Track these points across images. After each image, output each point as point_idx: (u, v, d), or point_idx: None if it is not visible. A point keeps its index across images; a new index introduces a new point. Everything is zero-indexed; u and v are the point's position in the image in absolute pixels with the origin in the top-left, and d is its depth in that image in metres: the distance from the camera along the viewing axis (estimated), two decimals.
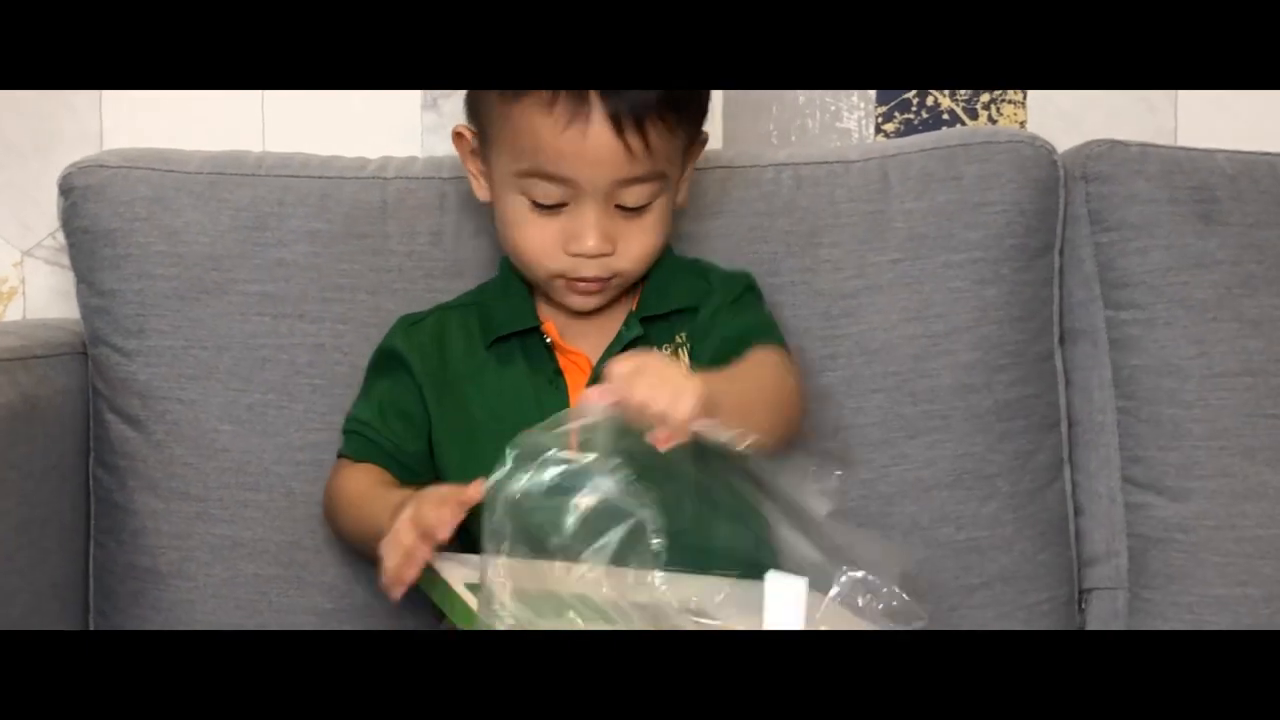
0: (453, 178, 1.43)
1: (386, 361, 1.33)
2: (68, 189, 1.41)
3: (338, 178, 1.44)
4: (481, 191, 1.31)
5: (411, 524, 1.10)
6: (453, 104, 1.59)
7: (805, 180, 1.43)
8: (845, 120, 1.63)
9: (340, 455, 1.32)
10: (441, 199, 1.43)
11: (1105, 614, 1.46)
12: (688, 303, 1.31)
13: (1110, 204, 1.45)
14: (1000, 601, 1.41)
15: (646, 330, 1.28)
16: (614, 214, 1.24)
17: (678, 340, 1.29)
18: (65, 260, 1.49)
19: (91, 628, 1.40)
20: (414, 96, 1.61)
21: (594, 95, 1.19)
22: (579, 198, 1.22)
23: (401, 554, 1.10)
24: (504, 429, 1.18)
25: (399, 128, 1.61)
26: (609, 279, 1.26)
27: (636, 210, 1.25)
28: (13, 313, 1.61)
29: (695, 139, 1.29)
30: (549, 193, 1.23)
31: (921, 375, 1.39)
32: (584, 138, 1.19)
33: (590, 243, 1.23)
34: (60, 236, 1.48)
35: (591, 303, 1.28)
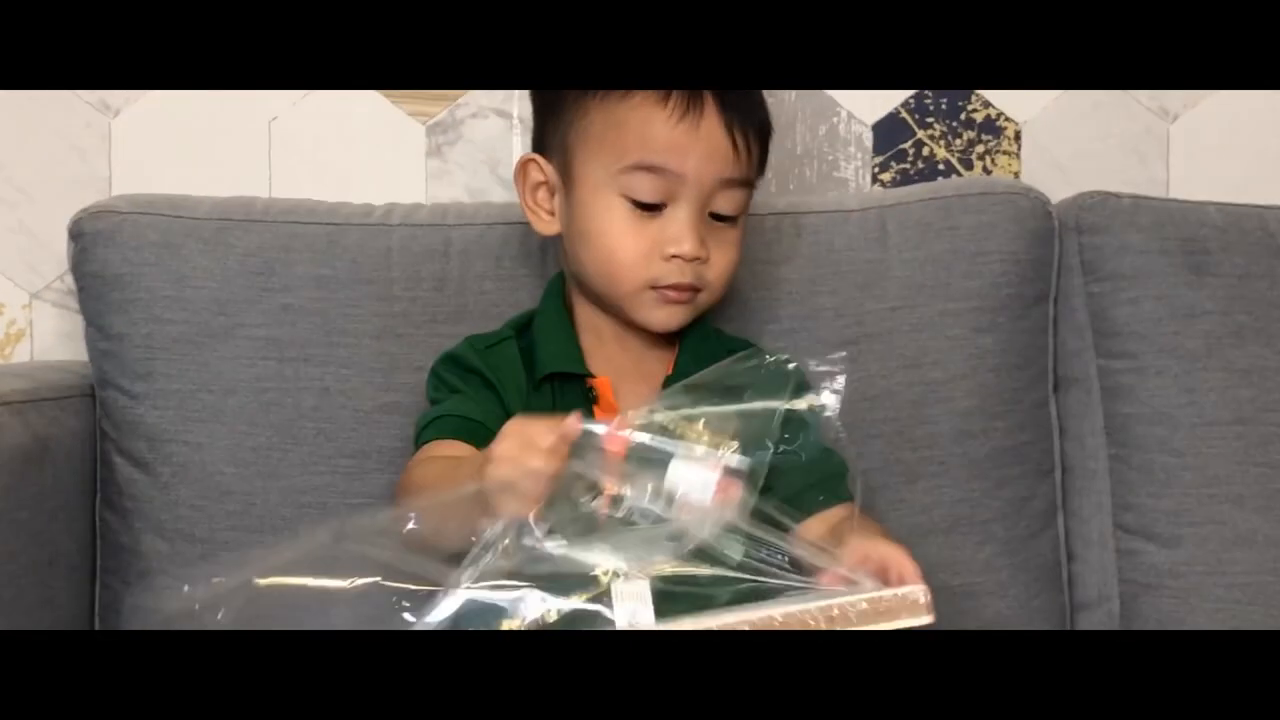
0: (457, 225, 1.46)
1: (468, 376, 1.29)
2: (78, 234, 1.42)
3: (344, 224, 1.45)
4: (545, 224, 1.31)
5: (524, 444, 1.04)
6: (457, 151, 1.65)
7: (806, 229, 1.45)
8: (843, 169, 1.65)
9: (424, 442, 1.25)
10: (446, 245, 1.44)
11: None
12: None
13: (1103, 255, 1.47)
14: None
15: None
16: (707, 222, 1.26)
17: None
18: (72, 303, 1.51)
19: None
20: (419, 143, 1.63)
21: (708, 94, 1.23)
22: (678, 199, 1.24)
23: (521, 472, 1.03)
24: None
25: (403, 175, 1.63)
26: (698, 290, 1.26)
27: (728, 221, 1.27)
28: (20, 354, 1.61)
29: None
30: (652, 188, 1.24)
31: (920, 422, 1.41)
32: (697, 129, 1.22)
33: (688, 245, 1.23)
34: (68, 279, 1.49)
35: (678, 316, 1.27)
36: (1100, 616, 1.47)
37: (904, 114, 1.65)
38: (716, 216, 1.26)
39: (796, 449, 1.29)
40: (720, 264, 1.27)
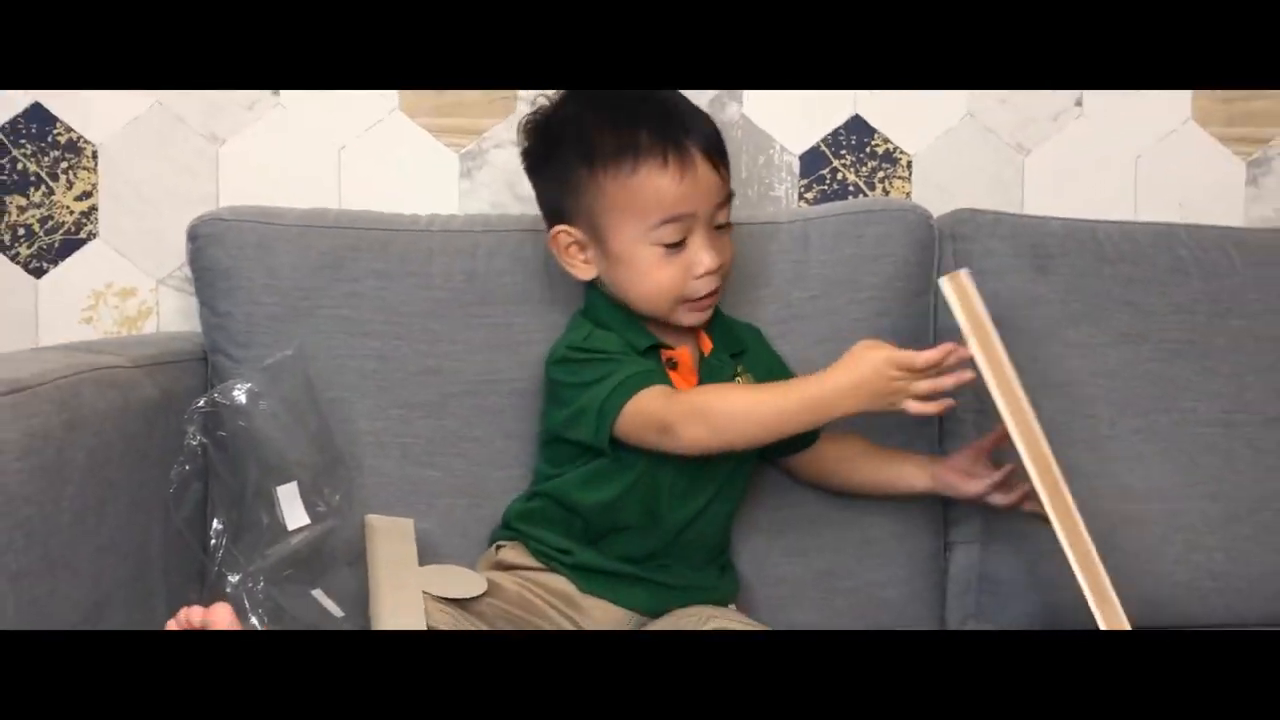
0: (484, 231, 1.63)
1: (601, 353, 1.45)
2: (194, 236, 1.60)
3: (396, 230, 1.62)
4: (584, 271, 1.47)
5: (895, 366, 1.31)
6: (484, 174, 1.79)
7: (747, 236, 1.63)
8: (776, 190, 1.83)
9: (623, 400, 1.39)
10: (474, 247, 1.62)
11: (964, 564, 1.70)
12: (743, 346, 1.54)
13: (971, 257, 1.66)
14: (879, 554, 1.66)
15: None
16: (714, 235, 1.43)
17: (738, 369, 1.52)
18: (188, 288, 1.70)
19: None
20: (454, 168, 1.78)
21: (690, 144, 1.39)
22: (694, 230, 1.41)
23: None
24: None
25: (441, 192, 1.79)
26: (715, 291, 1.45)
27: (725, 227, 1.44)
28: (149, 327, 1.78)
29: None
30: (675, 231, 1.40)
31: None
32: (696, 179, 1.40)
33: (712, 262, 1.42)
34: (185, 270, 1.68)
35: (707, 316, 1.46)
36: (969, 530, 1.67)
37: (824, 147, 1.84)
38: (718, 227, 1.43)
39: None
40: (728, 263, 1.45)
